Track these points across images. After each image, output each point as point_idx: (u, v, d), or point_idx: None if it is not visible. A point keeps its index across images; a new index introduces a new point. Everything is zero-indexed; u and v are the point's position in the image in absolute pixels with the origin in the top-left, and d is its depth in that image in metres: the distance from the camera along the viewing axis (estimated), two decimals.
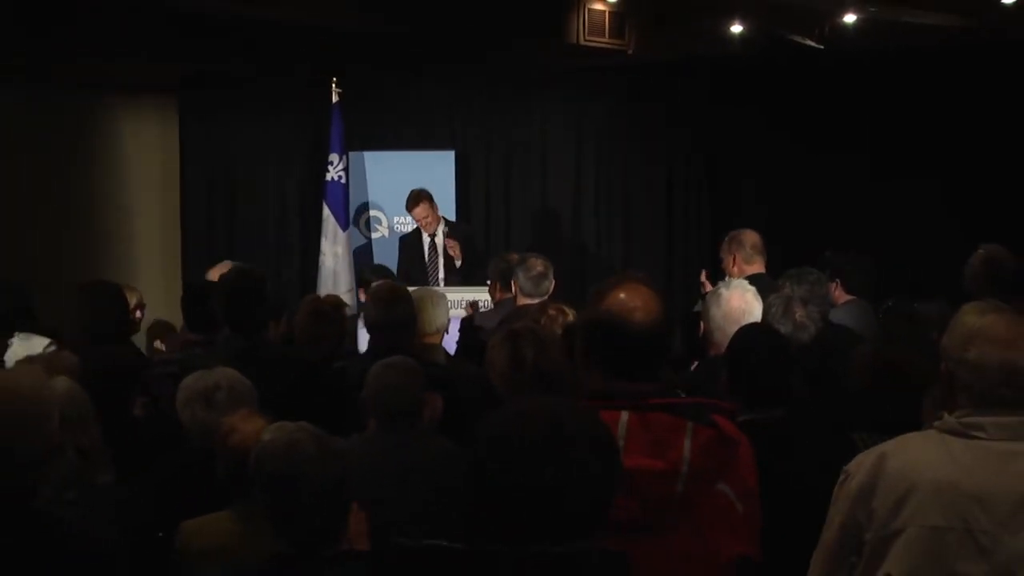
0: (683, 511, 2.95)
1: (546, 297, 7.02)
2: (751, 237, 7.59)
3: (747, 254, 7.47)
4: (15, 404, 3.43)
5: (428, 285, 9.91)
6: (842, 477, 3.13)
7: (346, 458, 3.42)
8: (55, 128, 11.12)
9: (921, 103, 11.82)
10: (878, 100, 12.06)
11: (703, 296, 7.26)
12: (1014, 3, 10.46)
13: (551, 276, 7.14)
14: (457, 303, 8.66)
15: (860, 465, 3.09)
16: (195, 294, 6.51)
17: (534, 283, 7.06)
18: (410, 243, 10.74)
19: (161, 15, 10.27)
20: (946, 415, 3.06)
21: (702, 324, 5.63)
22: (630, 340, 3.09)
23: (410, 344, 5.66)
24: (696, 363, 5.83)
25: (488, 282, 8.23)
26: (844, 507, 3.07)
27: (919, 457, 3.01)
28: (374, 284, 7.32)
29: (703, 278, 8.47)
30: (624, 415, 2.96)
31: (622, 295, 3.13)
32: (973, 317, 3.10)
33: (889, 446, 3.09)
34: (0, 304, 6.90)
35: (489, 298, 8.10)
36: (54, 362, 5.13)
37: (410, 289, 6.41)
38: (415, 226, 10.73)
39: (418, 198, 10.58)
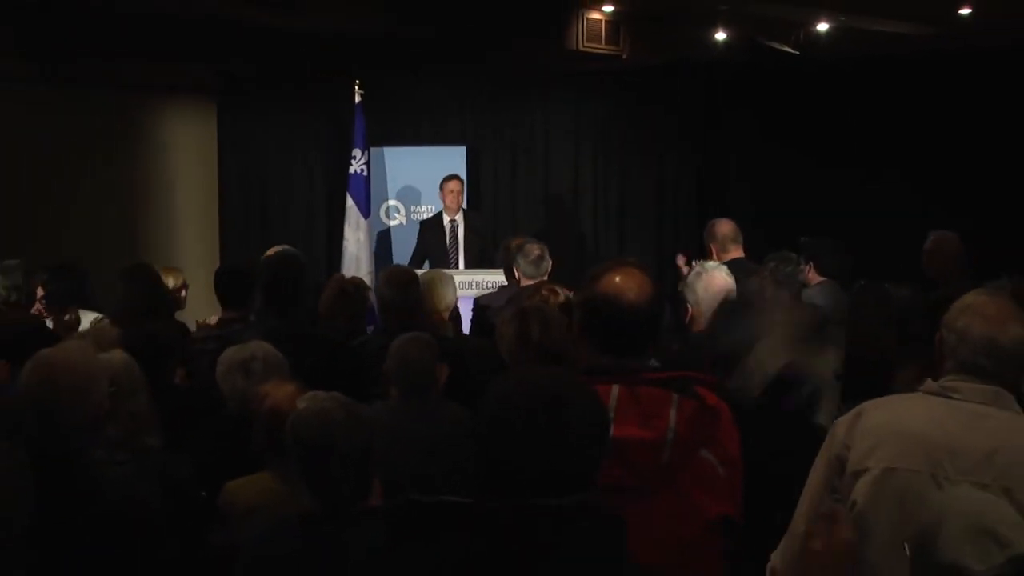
0: (669, 476, 2.96)
1: (545, 277, 7.04)
2: (723, 227, 7.60)
3: (720, 243, 7.49)
4: (66, 375, 3.45)
5: (448, 264, 10.00)
6: (831, 434, 3.14)
7: (372, 425, 3.42)
8: (108, 126, 11.12)
9: (889, 104, 11.82)
10: (850, 101, 12.04)
11: (682, 279, 7.26)
12: (970, 14, 10.50)
13: (548, 258, 7.15)
14: (469, 284, 8.67)
15: (842, 420, 3.13)
16: (230, 276, 6.52)
17: (534, 266, 7.07)
18: (431, 226, 10.75)
19: (202, 25, 10.33)
20: (930, 380, 3.09)
21: (689, 307, 5.63)
22: (621, 319, 3.10)
23: (420, 321, 5.68)
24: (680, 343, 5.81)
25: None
26: (827, 450, 3.10)
27: (898, 410, 3.05)
28: (387, 269, 7.36)
29: (680, 263, 8.49)
30: (615, 388, 2.96)
31: (616, 278, 3.14)
32: (973, 296, 3.15)
33: (872, 402, 3.12)
34: (57, 283, 6.93)
35: (505, 280, 8.08)
36: (99, 336, 5.15)
37: (420, 272, 6.43)
38: (437, 211, 10.76)
39: (454, 176, 10.80)
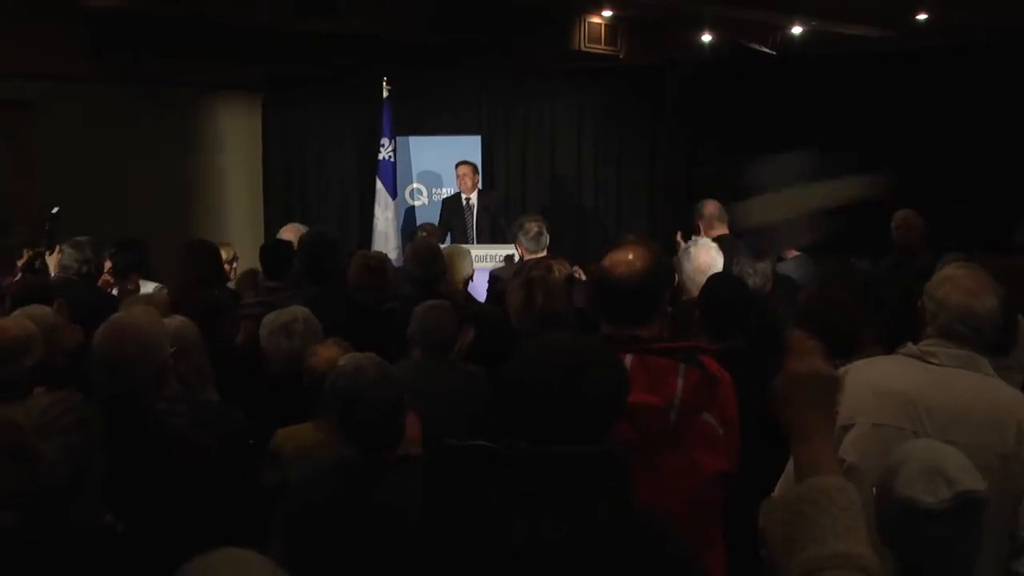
0: (674, 437, 2.95)
1: (545, 250, 7.03)
2: (710, 207, 7.57)
3: (708, 221, 7.46)
4: (132, 336, 3.47)
5: (465, 237, 10.01)
6: None
7: (401, 381, 3.41)
8: (168, 120, 11.15)
9: (854, 97, 11.82)
10: (820, 95, 12.03)
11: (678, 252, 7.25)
12: (925, 19, 10.61)
13: (546, 233, 7.12)
14: (484, 257, 8.67)
15: None
16: (271, 250, 6.53)
17: (534, 241, 7.06)
18: (451, 203, 10.75)
19: (251, 31, 10.40)
20: (910, 344, 3.08)
21: (676, 276, 5.62)
22: (613, 292, 3.08)
23: (441, 290, 5.69)
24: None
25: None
26: None
27: (882, 371, 3.04)
28: (415, 240, 7.36)
29: (678, 238, 8.47)
30: (628, 358, 2.94)
31: (614, 255, 3.12)
32: (953, 268, 3.15)
33: (856, 364, 3.12)
34: (122, 257, 6.95)
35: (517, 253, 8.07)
36: (151, 301, 5.17)
37: (442, 247, 6.43)
38: (456, 190, 10.74)
39: (466, 162, 10.74)
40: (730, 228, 7.42)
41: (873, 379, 2.99)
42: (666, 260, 3.25)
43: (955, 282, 3.05)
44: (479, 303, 6.42)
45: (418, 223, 11.11)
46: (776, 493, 3.01)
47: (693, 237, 6.84)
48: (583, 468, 2.06)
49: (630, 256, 3.10)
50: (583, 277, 6.94)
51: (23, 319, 4.15)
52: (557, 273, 5.56)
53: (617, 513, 2.07)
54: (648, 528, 2.12)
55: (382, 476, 3.22)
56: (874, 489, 2.32)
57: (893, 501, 2.20)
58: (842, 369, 3.07)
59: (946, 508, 2.17)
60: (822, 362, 1.89)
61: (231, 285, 7.13)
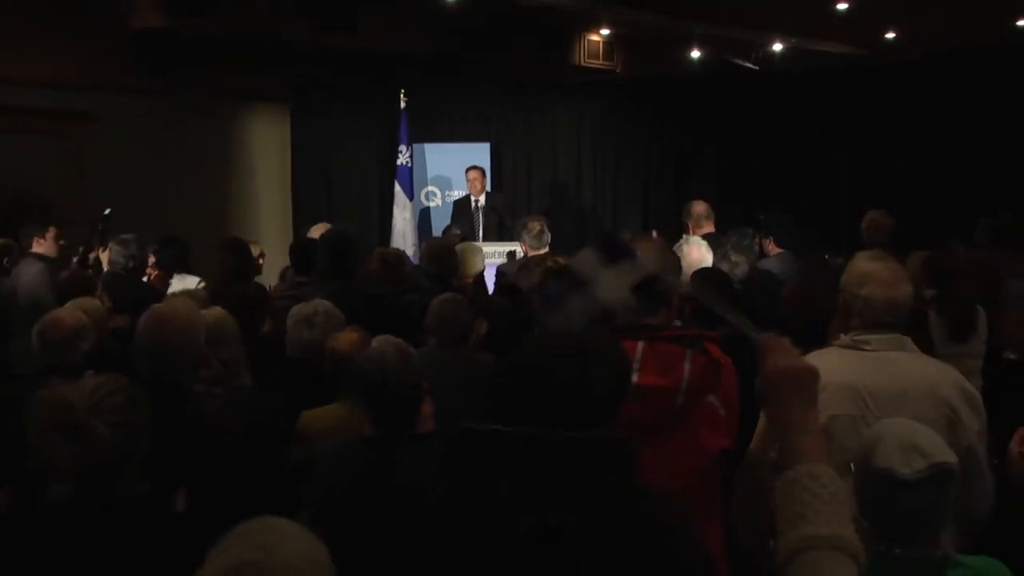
0: (681, 417, 2.96)
1: (547, 247, 7.01)
2: (697, 207, 7.55)
3: (696, 220, 7.45)
4: (172, 324, 3.47)
5: (473, 237, 9.97)
6: None
7: (420, 366, 3.41)
8: (203, 126, 11.15)
9: (828, 107, 11.87)
10: (798, 106, 12.06)
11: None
12: (894, 38, 10.66)
13: (547, 231, 7.09)
14: (492, 254, 8.67)
15: None
16: (301, 248, 6.54)
17: (536, 239, 7.03)
18: (461, 205, 10.78)
19: (279, 45, 10.38)
20: (842, 335, 3.08)
21: None
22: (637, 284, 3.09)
23: (454, 285, 5.69)
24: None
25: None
26: None
27: (824, 366, 3.01)
28: (428, 242, 7.35)
29: (654, 235, 8.47)
30: (640, 344, 2.96)
31: (637, 250, 3.13)
32: (865, 263, 3.12)
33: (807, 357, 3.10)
34: (164, 253, 6.96)
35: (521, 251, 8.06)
36: (192, 295, 5.19)
37: (457, 246, 6.43)
38: (466, 193, 10.75)
39: (475, 167, 10.77)
40: (716, 226, 7.41)
41: (825, 371, 2.98)
42: (675, 256, 3.25)
43: (875, 278, 3.04)
44: (489, 296, 6.42)
45: (432, 223, 11.17)
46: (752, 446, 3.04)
47: (684, 236, 6.84)
48: (589, 452, 2.05)
49: (648, 250, 3.12)
50: None
51: (76, 310, 4.18)
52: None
53: (622, 496, 2.06)
54: (653, 511, 2.10)
55: (400, 451, 3.21)
56: (852, 464, 2.33)
57: (872, 473, 2.20)
58: None
59: (921, 479, 2.18)
60: (798, 357, 1.88)
61: (260, 279, 7.14)
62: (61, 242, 7.89)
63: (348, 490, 3.21)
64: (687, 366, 2.95)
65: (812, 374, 1.87)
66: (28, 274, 7.05)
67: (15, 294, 5.26)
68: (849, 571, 1.58)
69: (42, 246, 7.70)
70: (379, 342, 3.42)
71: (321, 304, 4.62)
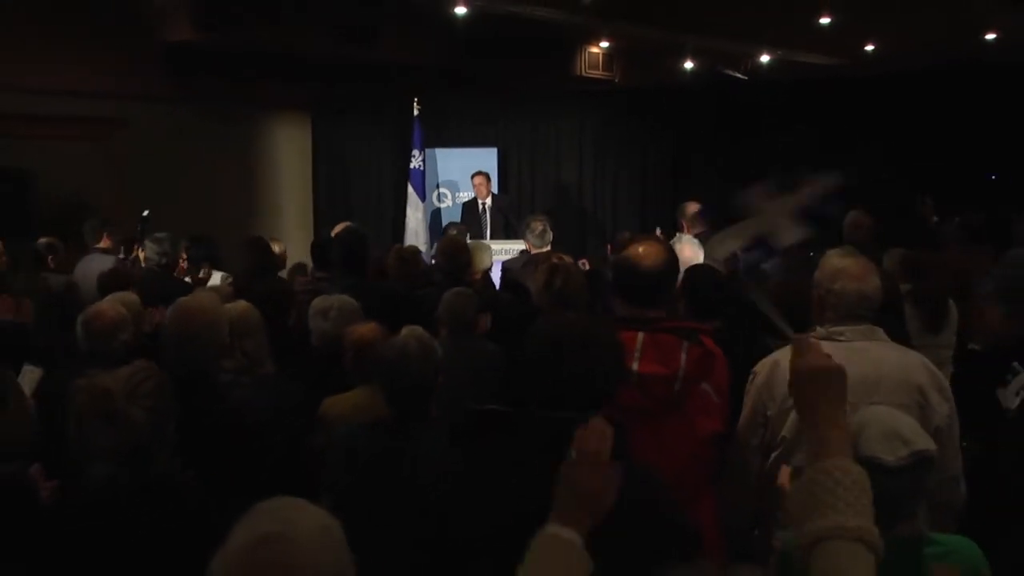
0: (677, 403, 2.97)
1: (549, 245, 7.00)
2: (690, 208, 7.54)
3: (689, 220, 7.44)
4: (197, 316, 3.48)
5: (481, 236, 9.98)
6: (751, 376, 3.13)
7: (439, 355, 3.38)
8: (231, 134, 11.18)
9: (812, 114, 11.87)
10: (784, 113, 12.04)
11: None
12: (873, 50, 10.67)
13: (550, 230, 7.04)
14: (499, 251, 8.68)
15: (763, 366, 3.10)
16: (321, 246, 6.54)
17: (539, 238, 6.99)
18: (469, 207, 10.80)
19: (302, 58, 10.43)
20: (819, 328, 3.07)
21: None
22: (636, 279, 3.09)
23: (465, 280, 5.68)
24: None
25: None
26: (754, 394, 3.08)
27: None
28: (443, 237, 7.34)
29: (658, 233, 8.47)
30: (640, 335, 2.96)
31: (638, 248, 3.13)
32: (837, 260, 3.12)
33: (781, 352, 3.07)
34: (195, 250, 6.97)
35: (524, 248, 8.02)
36: (220, 290, 5.19)
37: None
38: (473, 195, 10.75)
39: (481, 172, 10.80)
40: (709, 226, 7.40)
41: None
42: (675, 255, 3.25)
43: (846, 273, 3.04)
44: (496, 290, 6.41)
45: (443, 222, 11.19)
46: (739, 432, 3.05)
47: (677, 234, 6.83)
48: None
49: (653, 250, 3.12)
50: (587, 267, 6.94)
51: (116, 303, 4.18)
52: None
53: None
54: (643, 486, 2.12)
55: (415, 432, 3.21)
56: None
57: (857, 460, 2.19)
58: (772, 358, 3.09)
59: (903, 465, 2.18)
60: (826, 357, 1.85)
61: (283, 274, 7.15)
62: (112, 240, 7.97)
63: (366, 468, 3.21)
64: (683, 356, 2.96)
65: (840, 374, 1.83)
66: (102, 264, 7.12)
67: (73, 286, 5.27)
68: (869, 564, 1.57)
69: (105, 242, 7.76)
70: (405, 332, 3.39)
71: (338, 299, 4.61)
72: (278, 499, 1.44)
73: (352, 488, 3.18)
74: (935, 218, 8.85)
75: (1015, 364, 3.43)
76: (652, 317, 3.04)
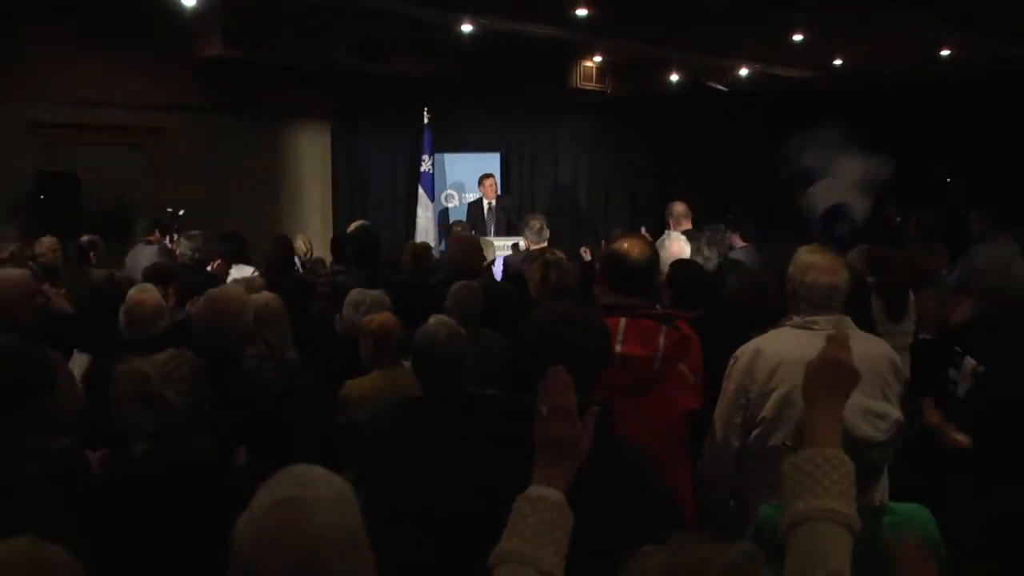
0: (657, 381, 2.97)
1: (546, 242, 7.00)
2: (678, 207, 7.52)
3: (676, 218, 7.42)
4: (225, 305, 3.49)
5: (486, 234, 9.97)
6: (732, 360, 3.11)
7: (466, 342, 3.34)
8: (259, 141, 11.16)
9: (786, 123, 11.81)
10: (760, 121, 12.04)
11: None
12: (841, 64, 10.70)
13: (546, 228, 7.06)
14: (501, 247, 8.69)
15: (743, 352, 3.09)
16: (338, 242, 6.56)
17: (537, 235, 7.01)
18: (475, 206, 10.74)
19: (323, 71, 10.42)
20: (794, 317, 3.07)
21: None
22: (625, 270, 3.10)
23: (474, 274, 5.68)
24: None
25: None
26: (736, 377, 3.07)
27: (781, 344, 3.01)
28: (452, 234, 7.34)
29: (644, 234, 8.45)
30: (623, 320, 2.96)
31: (625, 243, 3.14)
32: (807, 255, 3.11)
33: (761, 339, 3.09)
34: (226, 246, 6.98)
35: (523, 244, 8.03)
36: (250, 283, 5.20)
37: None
38: (479, 195, 10.71)
39: (488, 175, 10.71)
40: (693, 223, 7.40)
41: (780, 350, 2.97)
42: (656, 251, 3.26)
43: (817, 267, 3.03)
44: (497, 282, 6.41)
45: (451, 221, 11.20)
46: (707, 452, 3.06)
47: (666, 231, 6.85)
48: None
49: (639, 246, 3.14)
50: (588, 256, 6.94)
51: (155, 293, 4.19)
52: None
53: (604, 443, 2.08)
54: (629, 457, 2.13)
55: (439, 410, 3.19)
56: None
57: (848, 440, 2.18)
58: (753, 345, 3.08)
59: (888, 438, 2.19)
60: (850, 357, 1.84)
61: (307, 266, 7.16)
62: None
63: (394, 444, 3.17)
64: (662, 339, 2.97)
65: (855, 376, 1.82)
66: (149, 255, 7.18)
67: (113, 278, 5.33)
68: (845, 541, 1.57)
69: (155, 237, 7.85)
70: (433, 320, 3.37)
71: (371, 294, 4.58)
72: (297, 466, 1.45)
73: (379, 461, 3.15)
74: (897, 219, 8.86)
75: (956, 348, 3.46)
76: (634, 304, 3.05)
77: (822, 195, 4.78)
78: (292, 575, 1.30)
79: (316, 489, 1.39)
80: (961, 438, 3.16)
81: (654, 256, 3.19)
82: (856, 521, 1.60)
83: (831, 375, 1.82)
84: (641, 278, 3.13)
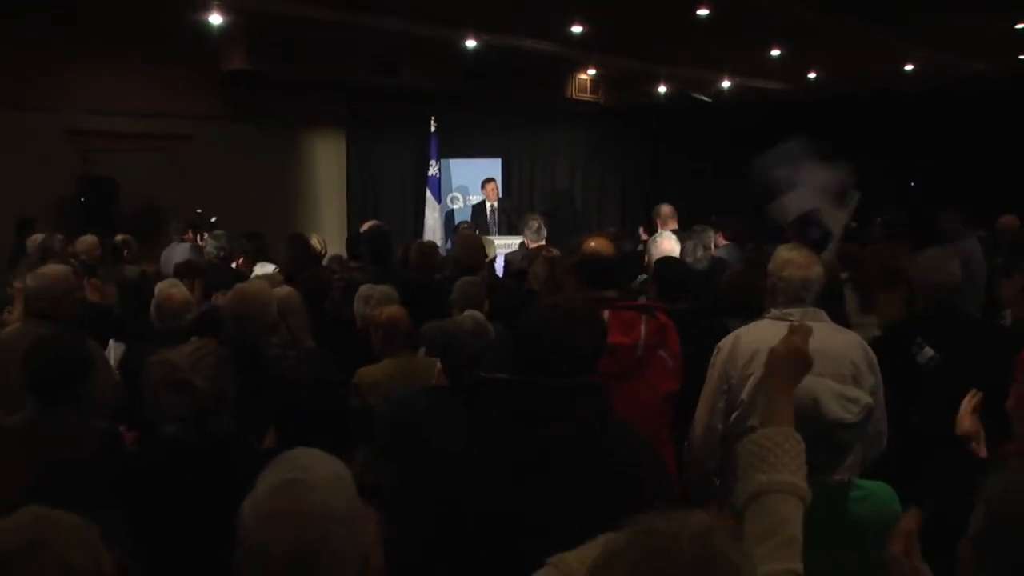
0: (640, 367, 2.99)
1: (543, 240, 6.98)
2: (664, 209, 7.49)
3: (663, 219, 7.40)
4: (250, 298, 3.49)
5: (489, 234, 9.96)
6: (716, 350, 3.12)
7: (491, 335, 3.28)
8: (278, 147, 11.18)
9: (764, 134, 11.79)
10: (741, 131, 12.03)
11: (643, 241, 7.22)
12: (815, 77, 10.76)
13: (544, 227, 7.01)
14: (503, 245, 8.68)
15: (726, 342, 3.09)
16: (353, 241, 6.54)
17: (535, 234, 6.96)
18: (479, 208, 10.71)
19: (338, 83, 10.47)
20: (772, 309, 3.08)
21: (645, 258, 5.60)
22: (596, 266, 3.12)
23: (474, 269, 5.66)
24: (639, 280, 5.80)
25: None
26: (719, 365, 3.05)
27: (759, 334, 3.00)
28: (458, 233, 7.32)
29: (641, 232, 8.46)
30: (606, 312, 2.94)
31: (592, 242, 3.16)
32: (785, 252, 3.11)
33: (741, 330, 3.08)
34: (251, 244, 6.96)
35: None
36: (273, 279, 5.20)
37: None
38: (482, 198, 10.69)
39: (490, 179, 10.67)
40: (679, 223, 7.40)
41: (757, 339, 2.96)
42: (629, 248, 3.28)
43: (793, 263, 3.03)
44: (498, 277, 6.40)
45: (456, 221, 11.20)
46: (694, 435, 3.05)
47: (659, 231, 6.84)
48: (573, 394, 2.08)
49: (604, 244, 3.16)
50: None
51: (181, 287, 4.19)
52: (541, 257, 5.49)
53: (601, 422, 2.10)
54: (625, 433, 2.14)
55: (462, 394, 3.16)
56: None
57: (824, 421, 2.19)
58: (734, 334, 3.08)
59: (858, 420, 2.20)
60: (806, 348, 1.87)
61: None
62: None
63: (421, 421, 3.11)
64: (643, 328, 2.99)
65: (808, 364, 1.88)
66: (182, 252, 7.19)
67: (145, 275, 5.35)
68: (799, 511, 1.60)
69: (188, 236, 7.84)
70: (467, 314, 3.34)
71: (380, 288, 4.57)
72: (296, 450, 1.44)
73: (406, 443, 3.12)
74: (854, 223, 8.85)
75: (918, 339, 3.48)
76: (611, 297, 3.06)
77: (792, 205, 4.77)
78: (296, 552, 1.30)
79: (314, 471, 1.38)
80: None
81: (618, 252, 3.21)
82: (808, 493, 1.62)
83: (788, 362, 1.85)
84: (612, 273, 3.17)
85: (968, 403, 2.43)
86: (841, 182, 5.84)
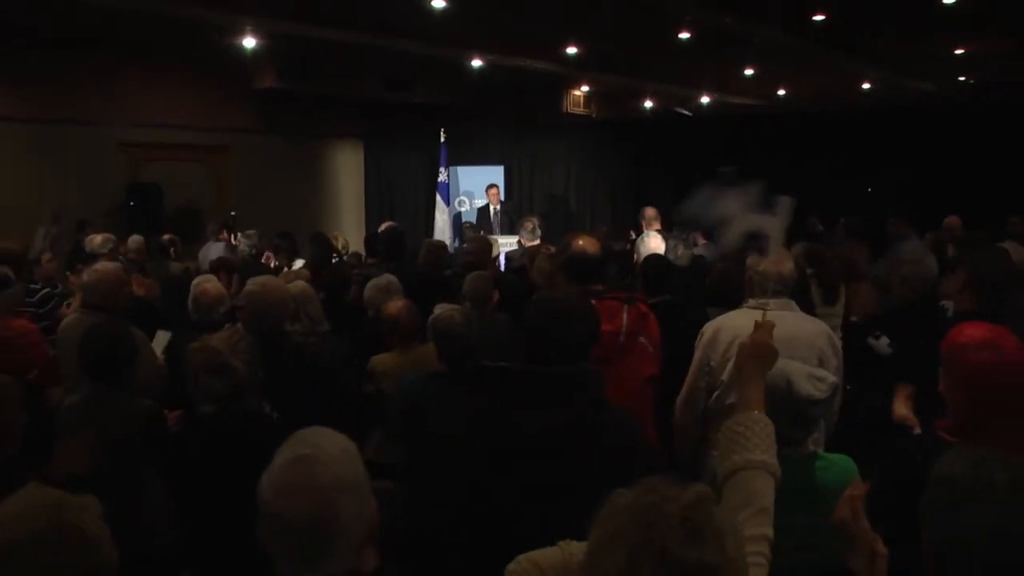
0: (623, 353, 2.96)
1: (539, 240, 6.95)
2: (649, 211, 7.43)
3: (648, 220, 7.36)
4: (270, 289, 3.43)
5: (492, 234, 9.94)
6: (700, 336, 3.10)
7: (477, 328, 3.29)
8: (303, 158, 11.20)
9: (741, 146, 11.85)
10: (719, 142, 12.03)
11: (631, 241, 7.20)
12: (784, 94, 10.72)
13: (539, 228, 6.99)
14: (506, 244, 8.66)
15: (708, 328, 3.07)
16: (371, 240, 6.53)
17: (531, 234, 6.95)
18: (483, 211, 10.65)
19: (357, 99, 10.45)
20: (750, 300, 3.07)
21: (635, 255, 5.58)
22: (582, 262, 3.10)
23: (481, 265, 5.64)
24: (628, 275, 5.77)
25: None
26: (701, 350, 3.04)
27: (737, 322, 2.99)
28: (464, 232, 7.30)
29: (631, 234, 8.43)
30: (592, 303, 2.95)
31: (580, 241, 3.13)
32: None
33: (722, 318, 3.07)
34: (283, 243, 6.94)
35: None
36: (300, 273, 5.18)
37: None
38: (487, 202, 10.65)
39: (493, 185, 10.64)
40: (662, 225, 7.37)
41: (735, 327, 2.95)
42: (614, 245, 3.25)
43: (768, 259, 3.00)
44: (503, 273, 6.39)
45: (463, 223, 11.19)
46: (679, 409, 3.04)
47: (644, 231, 6.82)
48: (571, 380, 2.07)
49: (590, 243, 3.13)
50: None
51: (215, 282, 4.18)
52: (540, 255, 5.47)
53: (595, 405, 2.09)
54: (617, 415, 2.13)
55: (459, 383, 3.13)
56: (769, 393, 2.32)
57: (795, 398, 2.19)
58: (714, 322, 3.07)
59: (826, 396, 2.21)
60: (771, 340, 1.91)
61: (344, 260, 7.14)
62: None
63: (424, 405, 3.11)
64: (625, 316, 2.95)
65: (774, 353, 1.91)
66: (218, 250, 7.21)
67: (188, 271, 5.34)
68: (770, 485, 1.63)
69: (223, 236, 7.84)
70: (450, 309, 3.33)
71: (388, 279, 4.56)
72: (308, 428, 1.43)
73: (410, 424, 3.10)
74: (820, 227, 8.83)
75: (877, 332, 3.47)
76: (597, 290, 3.05)
77: (733, 232, 4.80)
78: (310, 520, 1.30)
79: (325, 447, 1.37)
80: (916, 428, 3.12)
81: (603, 251, 3.19)
82: (778, 470, 1.65)
83: (756, 355, 1.88)
84: (597, 268, 3.14)
85: (900, 394, 2.43)
86: (762, 193, 5.87)
